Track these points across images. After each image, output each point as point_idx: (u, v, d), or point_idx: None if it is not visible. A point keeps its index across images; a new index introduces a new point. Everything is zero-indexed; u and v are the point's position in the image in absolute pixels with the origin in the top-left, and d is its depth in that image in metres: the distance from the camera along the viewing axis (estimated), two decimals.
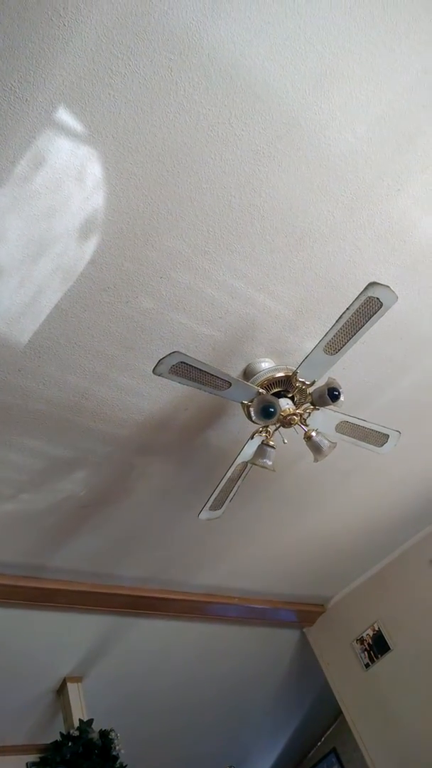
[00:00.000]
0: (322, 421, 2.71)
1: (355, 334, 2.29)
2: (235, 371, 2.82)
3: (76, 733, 4.20)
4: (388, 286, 2.12)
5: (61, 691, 4.56)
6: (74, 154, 1.95)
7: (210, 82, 1.90)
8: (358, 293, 2.15)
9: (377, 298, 2.16)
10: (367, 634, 5.05)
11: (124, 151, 1.99)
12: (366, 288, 2.12)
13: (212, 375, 2.35)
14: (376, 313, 2.21)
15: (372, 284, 2.11)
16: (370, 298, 2.15)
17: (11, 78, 1.75)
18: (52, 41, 1.72)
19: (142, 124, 1.93)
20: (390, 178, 2.32)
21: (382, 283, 2.11)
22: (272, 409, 2.44)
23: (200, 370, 2.30)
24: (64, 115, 1.86)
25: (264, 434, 2.69)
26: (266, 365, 2.77)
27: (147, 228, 2.20)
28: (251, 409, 2.52)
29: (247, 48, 1.85)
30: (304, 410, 2.59)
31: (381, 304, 2.18)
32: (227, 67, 1.87)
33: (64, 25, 1.70)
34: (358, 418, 2.81)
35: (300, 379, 2.51)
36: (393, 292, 2.14)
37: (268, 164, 2.14)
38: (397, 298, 2.17)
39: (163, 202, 2.15)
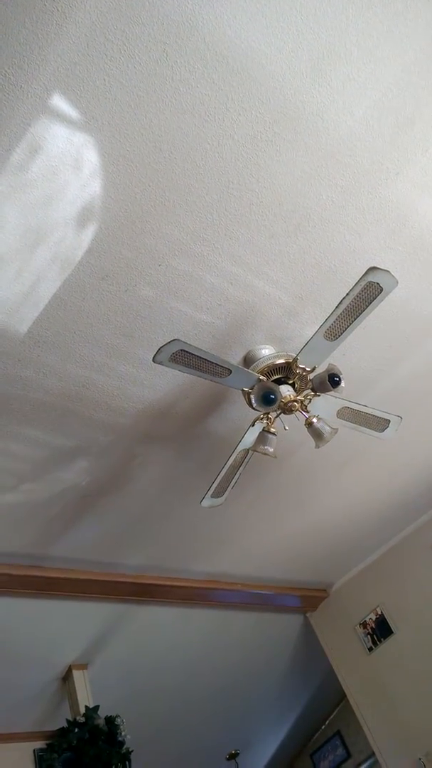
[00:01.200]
0: (323, 407, 2.70)
1: (355, 319, 2.29)
2: (235, 358, 2.82)
3: (83, 720, 4.24)
4: (388, 271, 2.11)
5: (66, 678, 4.60)
6: (70, 141, 1.93)
7: (206, 67, 1.88)
8: (357, 278, 2.14)
9: (377, 283, 2.15)
10: (370, 618, 5.08)
11: (120, 138, 1.97)
12: (366, 273, 2.11)
13: (212, 362, 2.35)
14: (376, 298, 2.20)
15: (372, 269, 2.10)
16: (370, 283, 2.14)
17: (5, 65, 1.73)
18: (45, 27, 1.70)
19: (138, 109, 1.92)
20: (389, 162, 2.30)
21: (382, 267, 2.10)
22: (273, 396, 2.44)
23: (200, 357, 2.30)
24: (59, 102, 1.84)
25: (265, 421, 2.69)
26: (266, 352, 2.76)
27: (145, 215, 2.19)
28: (252, 396, 2.51)
29: (243, 31, 1.83)
30: (305, 396, 2.59)
31: (381, 289, 2.17)
32: (223, 50, 1.85)
33: (58, 10, 1.67)
34: (359, 404, 2.80)
35: (300, 366, 2.51)
36: (393, 276, 2.13)
37: (265, 149, 2.13)
38: (397, 282, 2.16)
39: (161, 189, 2.13)
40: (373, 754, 5.08)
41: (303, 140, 2.14)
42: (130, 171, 2.06)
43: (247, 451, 2.83)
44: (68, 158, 1.97)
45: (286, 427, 2.70)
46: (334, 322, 2.29)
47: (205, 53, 1.85)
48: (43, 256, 2.20)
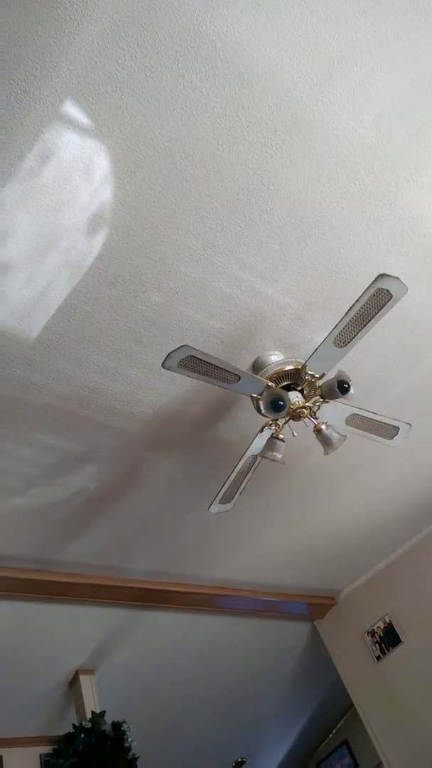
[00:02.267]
0: (332, 414, 2.70)
1: (364, 326, 2.28)
2: (244, 364, 2.82)
3: (89, 725, 4.24)
4: (397, 278, 2.11)
5: (73, 683, 4.60)
6: (82, 147, 1.95)
7: (217, 74, 1.88)
8: (367, 285, 2.14)
9: (387, 290, 2.15)
10: (378, 627, 5.05)
11: (131, 144, 1.98)
12: (375, 280, 2.11)
13: (221, 368, 2.35)
14: (386, 305, 2.20)
15: (381, 276, 2.10)
16: (379, 290, 2.14)
17: (18, 72, 1.75)
18: (58, 34, 1.71)
19: (149, 116, 1.93)
20: (399, 169, 2.30)
21: (391, 274, 2.10)
22: (282, 403, 2.44)
23: (209, 363, 2.30)
24: (71, 109, 1.85)
25: (273, 427, 2.69)
26: (275, 358, 2.76)
27: (155, 221, 2.20)
28: (261, 402, 2.51)
29: (253, 39, 1.84)
30: (314, 403, 2.58)
31: (391, 296, 2.17)
32: (234, 58, 1.86)
33: (70, 18, 1.69)
34: (368, 411, 2.79)
35: (309, 372, 2.50)
36: (403, 283, 2.13)
37: (276, 156, 2.13)
38: (407, 289, 2.16)
39: (171, 196, 2.14)
40: (380, 763, 5.03)
41: (313, 147, 2.14)
42: (140, 177, 2.07)
43: (255, 457, 2.83)
44: (80, 165, 1.98)
45: (295, 434, 2.70)
46: (344, 328, 2.28)
47: (216, 61, 1.86)
48: (54, 262, 2.21)
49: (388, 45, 1.96)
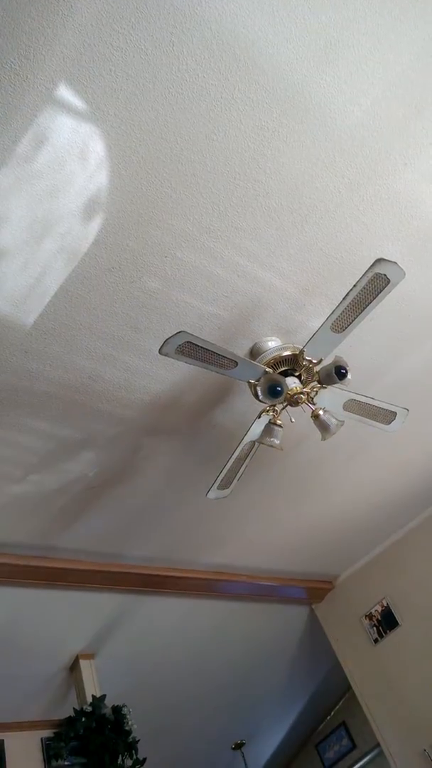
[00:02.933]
0: (330, 399, 2.70)
1: (362, 311, 2.28)
2: (241, 350, 2.81)
3: (89, 709, 4.28)
4: (395, 263, 2.10)
5: (74, 668, 4.63)
6: (76, 131, 1.93)
7: (212, 56, 1.86)
8: (365, 270, 2.13)
9: (384, 275, 2.14)
10: (376, 610, 5.09)
11: (126, 128, 1.96)
12: (373, 264, 2.10)
13: (219, 354, 2.34)
14: (383, 290, 2.19)
15: (379, 261, 2.09)
16: (377, 274, 2.13)
17: (11, 55, 1.73)
18: (51, 17, 1.69)
19: (144, 100, 1.91)
20: (397, 152, 2.29)
21: (389, 259, 2.09)
22: (279, 388, 2.44)
23: (206, 349, 2.30)
24: (65, 92, 1.83)
25: (271, 413, 2.69)
26: (273, 344, 2.76)
27: (150, 207, 2.18)
28: (258, 388, 2.51)
29: (249, 20, 1.82)
30: (312, 389, 2.58)
31: (388, 281, 2.16)
32: (230, 40, 1.84)
33: None
34: (366, 396, 2.80)
35: (307, 358, 2.50)
36: (400, 268, 2.12)
37: (272, 139, 2.11)
38: (405, 274, 2.15)
39: (167, 180, 2.13)
40: (378, 745, 5.09)
41: (310, 130, 2.13)
42: (136, 162, 2.05)
43: (253, 443, 2.83)
44: (74, 149, 1.96)
45: (293, 419, 2.70)
46: (341, 314, 2.28)
47: (212, 43, 1.83)
48: (50, 248, 2.20)
49: (386, 25, 1.94)
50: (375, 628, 5.07)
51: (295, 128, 2.10)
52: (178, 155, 2.07)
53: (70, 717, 4.31)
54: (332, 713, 6.88)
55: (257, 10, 1.81)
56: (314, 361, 2.51)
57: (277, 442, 2.66)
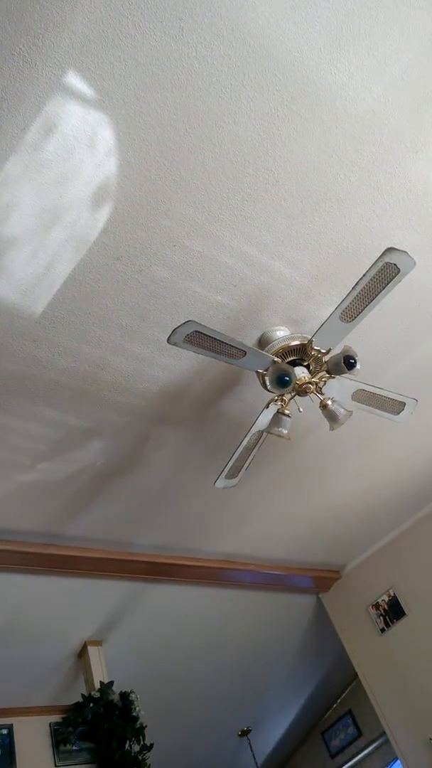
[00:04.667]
0: (338, 389, 2.69)
1: (371, 301, 2.26)
2: (250, 340, 2.80)
3: (97, 695, 4.31)
4: (405, 252, 2.08)
5: (82, 654, 4.67)
6: (85, 119, 1.92)
7: (222, 43, 1.84)
8: (374, 259, 2.11)
9: (394, 264, 2.12)
10: (383, 600, 5.09)
11: (135, 116, 1.95)
12: (383, 254, 2.08)
13: (227, 344, 2.34)
14: (393, 279, 2.18)
15: (389, 250, 2.07)
16: (387, 263, 2.12)
17: (19, 42, 1.72)
18: (60, 3, 1.68)
19: (153, 87, 1.89)
20: (408, 140, 2.26)
21: (399, 248, 2.07)
22: (287, 378, 2.43)
23: (215, 339, 2.29)
24: (73, 80, 1.82)
25: (279, 403, 2.69)
26: (281, 333, 2.75)
27: (159, 195, 2.17)
28: (266, 377, 2.50)
29: (260, 6, 1.80)
30: (320, 378, 2.57)
31: (398, 270, 2.15)
32: (240, 26, 1.82)
33: None
34: (375, 386, 2.79)
35: (316, 347, 2.49)
36: (411, 257, 2.10)
37: (282, 127, 2.10)
38: (415, 263, 2.13)
39: (176, 168, 2.11)
40: (383, 733, 5.12)
41: (320, 118, 2.11)
42: (144, 149, 2.04)
43: (261, 432, 2.83)
44: (83, 137, 1.95)
45: (301, 409, 2.70)
46: (351, 303, 2.27)
47: (222, 29, 1.82)
48: (58, 237, 2.19)
49: (398, 11, 1.91)
50: (382, 618, 5.07)
51: (306, 116, 2.08)
52: (187, 143, 2.06)
53: (78, 703, 4.35)
54: (338, 701, 6.91)
55: None
56: (323, 350, 2.50)
57: (285, 431, 2.66)
